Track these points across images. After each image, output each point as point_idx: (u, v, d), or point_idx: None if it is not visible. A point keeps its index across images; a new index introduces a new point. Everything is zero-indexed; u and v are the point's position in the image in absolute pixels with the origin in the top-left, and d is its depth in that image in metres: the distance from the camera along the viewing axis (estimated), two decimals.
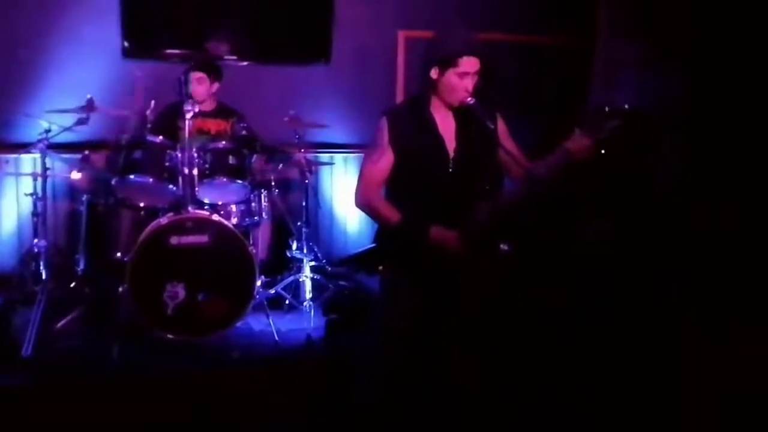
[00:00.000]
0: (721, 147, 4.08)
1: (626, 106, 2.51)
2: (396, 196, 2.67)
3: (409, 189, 2.65)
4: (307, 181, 4.40)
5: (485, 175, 2.66)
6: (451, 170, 2.64)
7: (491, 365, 2.74)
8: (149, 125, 3.93)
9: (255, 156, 4.10)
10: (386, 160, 2.63)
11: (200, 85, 4.25)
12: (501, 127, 2.73)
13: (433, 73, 2.58)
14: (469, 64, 2.54)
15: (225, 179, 3.80)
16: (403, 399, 2.70)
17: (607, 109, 2.49)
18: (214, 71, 4.32)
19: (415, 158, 2.63)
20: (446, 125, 2.66)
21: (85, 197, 4.02)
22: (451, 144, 2.65)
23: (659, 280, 3.89)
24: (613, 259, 4.08)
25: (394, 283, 2.74)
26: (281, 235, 4.54)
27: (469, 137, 2.65)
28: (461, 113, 2.64)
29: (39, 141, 3.87)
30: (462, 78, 2.54)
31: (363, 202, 2.68)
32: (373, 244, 2.84)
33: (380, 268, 2.87)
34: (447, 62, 2.54)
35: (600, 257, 4.12)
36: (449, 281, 2.61)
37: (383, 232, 2.74)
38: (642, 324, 3.56)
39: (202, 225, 3.65)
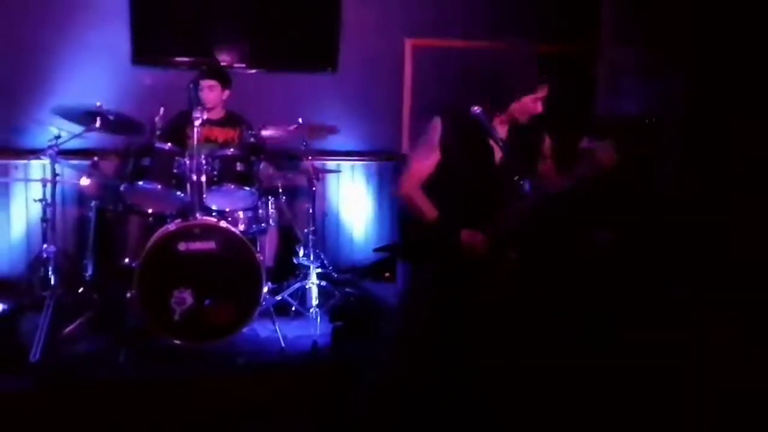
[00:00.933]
0: (722, 152, 4.09)
1: (649, 120, 2.64)
2: (435, 191, 2.78)
3: (448, 187, 2.77)
4: (314, 188, 4.42)
5: (522, 183, 2.80)
6: (492, 176, 2.78)
7: (499, 367, 2.80)
8: (158, 132, 3.96)
9: (262, 163, 4.13)
10: (433, 159, 2.76)
11: (212, 92, 4.28)
12: (547, 143, 2.92)
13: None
14: (543, 90, 2.75)
15: (233, 186, 3.81)
16: (418, 397, 2.76)
17: (626, 118, 2.61)
18: (225, 79, 4.36)
19: (461, 162, 2.76)
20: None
21: (93, 203, 4.04)
22: (498, 153, 2.79)
23: (661, 284, 3.90)
24: (616, 266, 4.08)
25: (419, 278, 2.85)
26: (288, 241, 4.55)
27: (515, 147, 2.79)
28: (515, 126, 2.81)
29: (48, 147, 3.88)
30: (535, 102, 2.75)
31: (404, 194, 2.81)
32: (398, 240, 2.98)
33: (386, 275, 2.94)
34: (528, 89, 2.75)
35: (603, 265, 4.13)
36: (469, 280, 2.73)
37: (413, 227, 2.84)
38: (645, 329, 3.56)
39: (210, 231, 3.66)
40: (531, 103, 2.74)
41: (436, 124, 2.76)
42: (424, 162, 2.76)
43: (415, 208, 2.79)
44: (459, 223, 2.69)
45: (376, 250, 5.04)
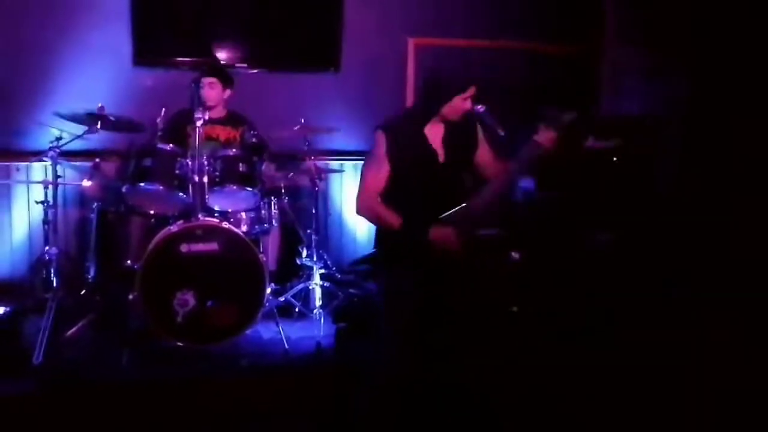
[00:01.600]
0: (723, 152, 4.08)
1: (649, 120, 2.76)
2: (392, 199, 2.91)
3: (403, 193, 2.91)
4: (316, 188, 4.40)
5: (469, 174, 3.04)
6: (440, 175, 2.95)
7: (494, 366, 2.84)
8: (159, 133, 3.94)
9: (265, 163, 4.11)
10: (384, 170, 2.91)
11: (212, 90, 4.26)
12: (480, 134, 3.08)
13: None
14: (472, 89, 2.93)
15: (235, 187, 3.79)
16: (407, 399, 2.80)
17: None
18: (226, 77, 4.34)
19: (409, 168, 2.91)
20: (436, 135, 2.98)
21: (95, 205, 4.02)
22: (440, 152, 2.96)
23: (662, 284, 3.89)
24: (616, 266, 4.07)
25: (395, 284, 2.92)
26: (291, 242, 4.53)
27: (454, 143, 2.98)
28: (447, 122, 2.98)
29: (50, 149, 3.87)
30: (464, 101, 2.92)
31: (364, 209, 2.95)
32: (374, 249, 3.07)
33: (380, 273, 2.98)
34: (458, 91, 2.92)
35: (603, 265, 4.12)
36: (445, 279, 2.84)
37: (384, 235, 2.97)
38: (645, 329, 3.55)
39: (212, 232, 3.64)
40: (460, 102, 2.90)
41: (380, 138, 2.93)
42: (377, 175, 2.91)
43: (378, 221, 2.94)
44: (425, 223, 2.82)
45: (355, 263, 4.99)
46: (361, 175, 3.00)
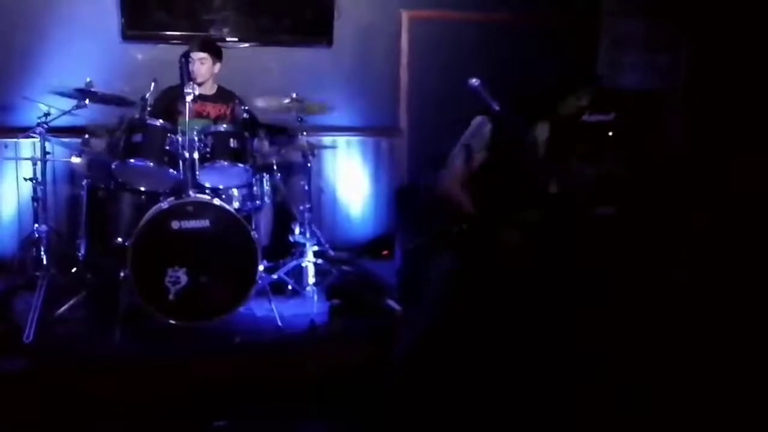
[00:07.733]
0: (725, 124, 4.05)
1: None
2: (474, 184, 2.87)
3: (488, 182, 2.87)
4: (309, 164, 4.35)
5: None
6: (532, 172, 2.94)
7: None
8: (149, 108, 3.87)
9: (256, 139, 4.05)
10: (478, 160, 2.86)
11: (203, 66, 4.19)
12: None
13: None
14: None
15: (226, 163, 3.74)
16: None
17: None
18: (216, 51, 4.27)
19: (504, 163, 2.88)
20: (541, 132, 2.97)
21: (85, 182, 3.96)
22: (535, 152, 2.95)
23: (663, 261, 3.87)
24: (617, 242, 4.04)
25: (453, 271, 2.91)
26: (283, 219, 4.49)
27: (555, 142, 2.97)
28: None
29: (38, 125, 3.82)
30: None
31: (446, 192, 2.92)
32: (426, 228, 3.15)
33: (384, 252, 2.95)
34: None
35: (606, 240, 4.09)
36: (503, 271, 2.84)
37: (449, 216, 2.94)
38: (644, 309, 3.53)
39: (204, 209, 3.60)
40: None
41: (485, 128, 2.86)
42: (469, 164, 2.86)
43: (453, 203, 2.89)
44: (497, 222, 2.81)
45: (415, 243, 4.95)
46: (453, 156, 2.95)
